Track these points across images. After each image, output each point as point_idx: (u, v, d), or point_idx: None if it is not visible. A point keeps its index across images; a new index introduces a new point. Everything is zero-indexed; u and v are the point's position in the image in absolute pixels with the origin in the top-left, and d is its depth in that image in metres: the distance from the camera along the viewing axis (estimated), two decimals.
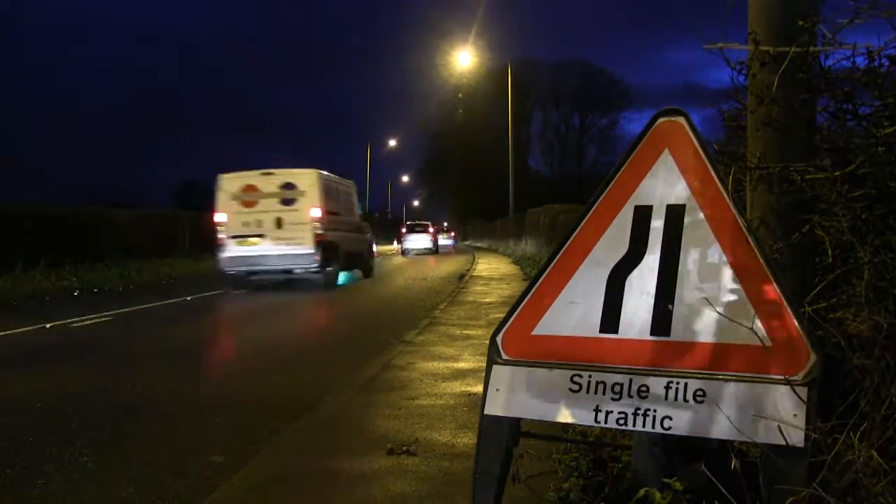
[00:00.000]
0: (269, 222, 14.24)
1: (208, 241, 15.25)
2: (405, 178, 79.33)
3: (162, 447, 4.09)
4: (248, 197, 14.40)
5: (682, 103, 2.25)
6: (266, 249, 14.20)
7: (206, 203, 17.44)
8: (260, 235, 14.23)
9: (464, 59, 33.73)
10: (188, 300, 12.90)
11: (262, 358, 7.10)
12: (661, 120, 2.21)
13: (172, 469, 3.68)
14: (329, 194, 15.11)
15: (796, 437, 1.79)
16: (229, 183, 14.51)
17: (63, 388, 5.67)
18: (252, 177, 14.52)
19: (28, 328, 9.20)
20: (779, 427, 1.82)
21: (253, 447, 3.96)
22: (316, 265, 14.29)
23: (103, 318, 10.19)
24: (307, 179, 14.47)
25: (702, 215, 2.10)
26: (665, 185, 2.17)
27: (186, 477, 3.56)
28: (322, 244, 14.26)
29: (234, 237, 14.30)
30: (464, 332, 7.95)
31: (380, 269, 21.35)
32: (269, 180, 14.44)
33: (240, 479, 3.35)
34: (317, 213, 14.25)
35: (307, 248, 14.14)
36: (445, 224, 53.19)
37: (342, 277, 16.35)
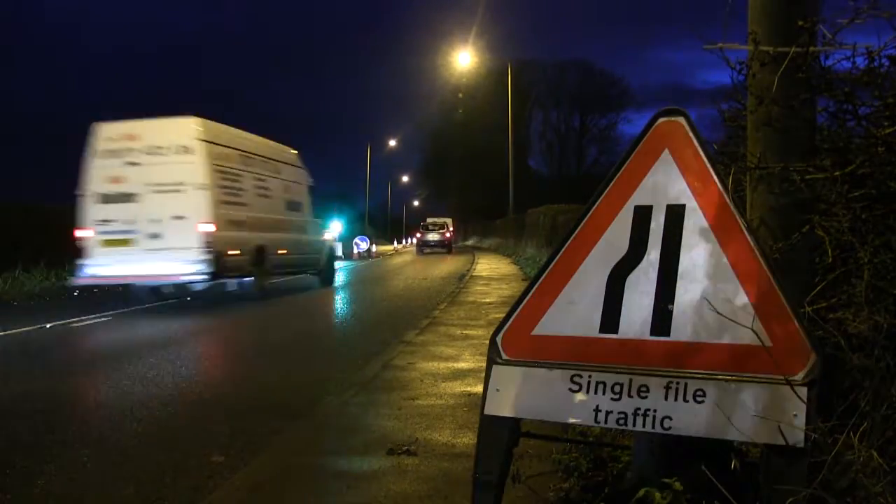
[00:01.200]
0: None
1: None
2: (405, 178, 79.37)
3: (162, 447, 4.09)
4: None
5: (681, 103, 2.25)
6: None
7: None
8: None
9: (464, 60, 33.78)
10: (189, 299, 12.90)
11: (262, 358, 7.10)
12: (660, 120, 2.21)
13: (172, 469, 3.68)
14: None
15: (796, 437, 1.79)
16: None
17: (63, 389, 5.67)
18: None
19: (28, 328, 9.20)
20: (779, 427, 1.81)
21: (253, 447, 3.96)
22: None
23: (103, 318, 10.20)
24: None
25: (702, 215, 2.10)
26: (665, 185, 2.17)
27: (186, 477, 3.56)
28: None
29: None
30: (464, 332, 7.95)
31: (380, 270, 21.54)
32: None
33: (240, 479, 3.35)
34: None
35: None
36: (444, 222, 47.94)
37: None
